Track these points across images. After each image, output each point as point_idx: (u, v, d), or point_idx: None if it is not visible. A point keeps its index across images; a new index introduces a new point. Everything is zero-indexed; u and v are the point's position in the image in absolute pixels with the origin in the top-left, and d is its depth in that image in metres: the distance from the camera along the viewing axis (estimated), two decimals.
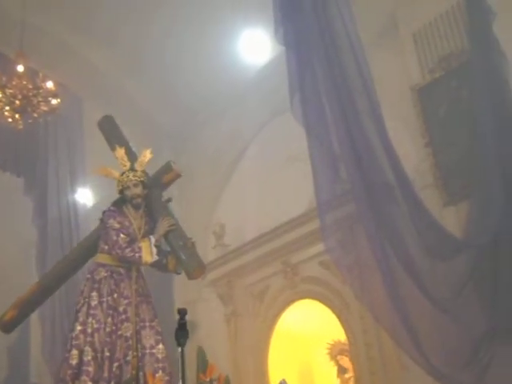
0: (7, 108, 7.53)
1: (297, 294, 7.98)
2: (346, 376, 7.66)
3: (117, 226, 4.45)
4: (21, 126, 7.92)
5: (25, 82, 7.53)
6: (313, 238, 7.04)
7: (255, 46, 8.48)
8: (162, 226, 4.51)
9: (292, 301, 8.06)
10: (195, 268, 4.50)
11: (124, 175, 4.59)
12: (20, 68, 7.56)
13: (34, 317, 9.42)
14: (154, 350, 4.23)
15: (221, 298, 8.81)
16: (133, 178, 4.57)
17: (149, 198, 4.68)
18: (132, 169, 4.63)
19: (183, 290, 9.01)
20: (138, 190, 4.57)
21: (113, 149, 4.85)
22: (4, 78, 7.54)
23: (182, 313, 3.24)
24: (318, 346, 8.07)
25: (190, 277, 4.55)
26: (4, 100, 7.44)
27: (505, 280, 4.60)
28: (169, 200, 4.80)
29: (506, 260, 4.65)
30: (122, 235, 4.40)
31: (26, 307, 5.07)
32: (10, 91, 7.43)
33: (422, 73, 6.42)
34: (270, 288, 8.32)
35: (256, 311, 8.43)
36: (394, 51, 6.73)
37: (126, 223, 4.53)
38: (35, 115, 7.74)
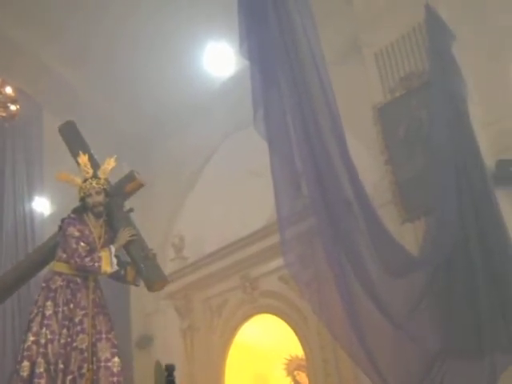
0: None
1: (255, 309, 7.97)
2: None
3: (77, 234, 4.34)
4: None
5: None
6: (272, 252, 7.05)
7: (220, 59, 8.52)
8: (123, 235, 4.42)
9: (250, 315, 8.05)
10: (157, 281, 4.43)
11: (87, 182, 4.50)
12: None
13: None
14: (109, 364, 4.10)
15: (178, 311, 8.73)
16: (96, 186, 4.47)
17: (110, 206, 4.58)
18: (95, 176, 4.54)
19: (140, 302, 8.91)
20: (100, 198, 4.47)
21: (75, 155, 4.75)
22: None
23: (170, 369, 3.17)
24: (276, 361, 8.07)
25: (151, 289, 4.48)
26: None
27: (458, 298, 4.68)
28: (130, 210, 4.71)
29: (461, 278, 4.74)
30: (81, 244, 4.29)
31: None
32: None
33: (384, 92, 6.52)
34: (228, 302, 8.29)
35: (214, 325, 8.38)
36: (357, 70, 6.83)
37: (86, 232, 4.42)
38: None
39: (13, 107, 7.57)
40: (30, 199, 10.15)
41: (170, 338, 8.68)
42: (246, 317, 8.08)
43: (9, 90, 7.55)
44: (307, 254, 5.91)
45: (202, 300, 8.56)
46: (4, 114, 7.53)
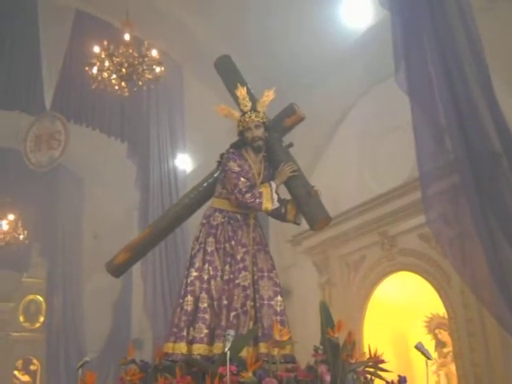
0: (114, 76, 7.82)
1: (394, 266, 7.88)
2: (445, 350, 7.53)
3: (237, 169, 4.13)
4: (126, 94, 8.23)
5: (131, 51, 7.78)
6: (412, 209, 6.90)
7: (358, 10, 8.29)
8: (284, 171, 4.17)
9: (389, 272, 7.97)
10: (320, 219, 4.14)
11: (246, 115, 4.24)
12: (126, 37, 7.82)
13: (136, 274, 9.92)
14: (272, 302, 3.99)
15: (316, 266, 8.85)
16: (255, 119, 4.21)
17: (269, 141, 4.31)
18: (254, 109, 4.27)
19: (278, 255, 9.10)
20: (260, 132, 4.21)
21: (231, 89, 4.55)
22: (111, 47, 7.82)
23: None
24: (415, 319, 7.94)
25: (314, 227, 4.23)
26: (111, 68, 7.74)
27: None
28: (290, 145, 4.44)
29: None
30: (242, 179, 4.09)
31: (137, 250, 4.96)
32: (117, 59, 7.71)
33: None
34: (366, 259, 8.26)
35: (351, 281, 8.41)
36: (507, 15, 6.34)
37: (246, 167, 4.20)
38: (140, 83, 7.99)
39: (158, 69, 7.94)
40: (174, 156, 10.72)
41: (307, 291, 8.81)
42: (384, 274, 8.01)
43: (154, 52, 7.91)
44: (450, 212, 5.70)
45: (340, 256, 8.59)
46: (150, 76, 7.92)
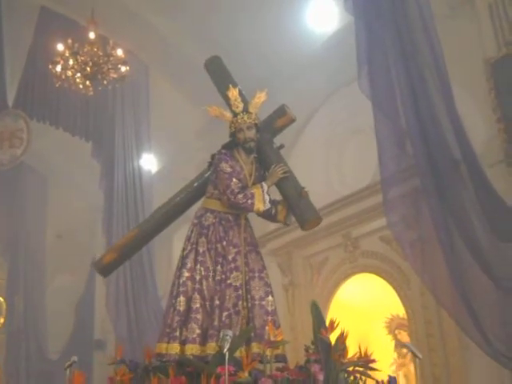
0: (78, 75, 7.75)
1: (356, 268, 7.98)
2: (404, 351, 7.64)
3: (229, 169, 4.16)
4: (91, 93, 8.16)
5: (96, 49, 7.72)
6: (375, 212, 6.99)
7: (323, 15, 8.38)
8: (275, 172, 4.22)
9: (351, 274, 8.07)
10: (311, 219, 4.19)
11: (238, 117, 4.25)
12: (91, 35, 7.76)
13: (99, 277, 9.84)
14: (263, 302, 4.03)
15: (280, 267, 8.89)
16: (247, 120, 4.22)
17: (260, 143, 4.34)
18: (245, 111, 4.28)
19: None
20: (252, 134, 4.23)
21: (222, 90, 4.53)
22: (76, 45, 7.75)
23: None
24: (376, 320, 8.06)
25: (304, 228, 4.26)
26: (76, 67, 7.67)
27: None
28: (281, 146, 4.48)
29: None
30: (234, 180, 4.11)
31: (126, 251, 4.95)
32: (82, 58, 7.65)
33: (498, 46, 6.16)
34: (329, 260, 8.34)
35: (314, 282, 8.49)
36: (468, 23, 6.48)
37: (238, 168, 4.23)
38: (105, 82, 7.94)
39: (123, 68, 7.89)
40: (139, 156, 10.66)
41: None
42: (347, 275, 8.10)
43: (119, 51, 7.86)
44: (411, 215, 5.80)
45: (303, 257, 8.67)
46: (115, 76, 7.87)
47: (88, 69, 7.64)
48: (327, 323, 3.80)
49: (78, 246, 12.26)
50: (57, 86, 8.16)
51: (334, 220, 8.00)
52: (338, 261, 8.19)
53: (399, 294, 7.26)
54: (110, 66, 7.75)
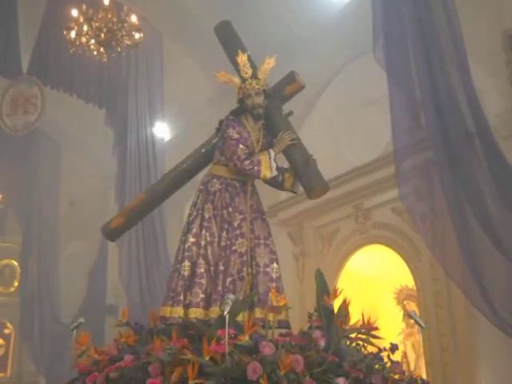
0: (93, 41, 7.73)
1: (367, 239, 8.02)
2: (412, 321, 7.70)
3: (236, 136, 4.12)
4: (105, 60, 8.14)
5: (110, 16, 7.67)
6: (387, 183, 6.99)
7: None
8: (283, 139, 4.17)
9: (361, 245, 8.11)
10: (318, 187, 4.16)
11: (247, 82, 4.20)
12: (106, 1, 7.70)
13: (112, 243, 9.94)
14: (268, 269, 4.01)
15: (290, 237, 8.95)
16: (256, 86, 4.17)
17: (268, 109, 4.28)
18: (254, 76, 4.22)
19: None
20: (260, 100, 4.18)
21: (231, 55, 4.48)
22: (90, 11, 7.71)
23: None
24: (385, 291, 8.12)
25: (311, 196, 4.22)
26: (90, 33, 7.64)
27: None
28: (290, 113, 4.42)
29: None
30: (241, 146, 4.09)
31: (133, 215, 4.97)
32: (96, 24, 7.60)
33: None
34: (339, 231, 8.38)
35: (324, 253, 8.54)
36: None
37: (245, 134, 4.19)
38: (119, 49, 7.91)
39: (137, 35, 7.85)
40: (152, 124, 10.66)
41: (282, 262, 8.89)
42: (357, 246, 8.15)
43: (134, 18, 7.81)
44: (423, 187, 5.80)
45: (314, 227, 8.71)
46: (129, 42, 7.83)
47: (102, 35, 7.61)
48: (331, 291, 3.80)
49: (91, 213, 12.33)
50: (71, 52, 8.14)
51: (346, 191, 8.02)
52: (349, 231, 8.22)
53: (409, 266, 7.31)
54: (124, 33, 7.70)
